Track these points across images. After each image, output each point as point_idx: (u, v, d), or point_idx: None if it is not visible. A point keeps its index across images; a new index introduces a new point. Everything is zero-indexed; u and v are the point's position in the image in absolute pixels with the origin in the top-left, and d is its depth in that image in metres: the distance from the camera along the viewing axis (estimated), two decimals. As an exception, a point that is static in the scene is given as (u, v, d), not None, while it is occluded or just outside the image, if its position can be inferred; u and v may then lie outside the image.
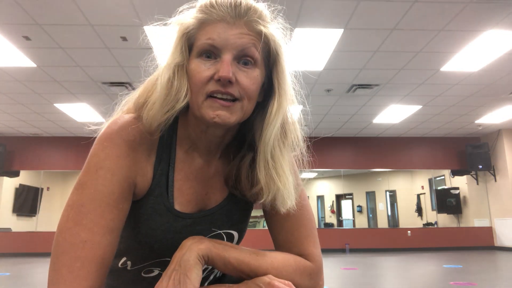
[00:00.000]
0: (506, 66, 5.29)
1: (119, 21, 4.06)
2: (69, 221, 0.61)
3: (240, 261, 0.65)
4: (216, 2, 0.65)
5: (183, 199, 0.73)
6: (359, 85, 6.01)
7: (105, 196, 0.62)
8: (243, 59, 0.65)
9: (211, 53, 0.64)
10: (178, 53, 0.66)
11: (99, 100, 6.59)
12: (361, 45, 4.71)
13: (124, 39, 4.43)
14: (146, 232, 0.70)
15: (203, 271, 0.78)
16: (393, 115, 7.65)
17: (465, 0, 3.72)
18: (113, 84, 5.85)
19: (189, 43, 0.67)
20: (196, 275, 0.61)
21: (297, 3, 3.78)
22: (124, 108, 0.75)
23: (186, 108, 0.69)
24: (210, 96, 0.64)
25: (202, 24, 0.66)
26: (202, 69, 0.64)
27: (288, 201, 0.69)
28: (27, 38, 4.42)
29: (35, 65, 5.17)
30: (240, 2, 0.65)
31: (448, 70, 5.43)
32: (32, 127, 8.41)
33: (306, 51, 4.84)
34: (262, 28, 0.65)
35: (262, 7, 0.68)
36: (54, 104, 6.82)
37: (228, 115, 0.64)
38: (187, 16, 0.68)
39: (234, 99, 0.64)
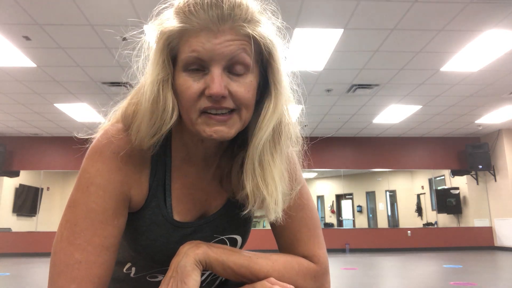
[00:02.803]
0: (506, 66, 5.28)
1: (119, 21, 4.06)
2: (63, 241, 0.60)
3: (240, 264, 0.63)
4: (194, 7, 0.57)
5: (182, 207, 0.70)
6: (359, 85, 6.01)
7: (98, 214, 0.61)
8: (234, 67, 0.59)
9: (198, 65, 0.58)
10: (160, 67, 0.60)
11: (99, 100, 6.59)
12: (361, 45, 4.71)
13: (124, 39, 4.43)
14: (146, 243, 0.68)
15: (208, 276, 0.76)
16: (393, 115, 7.65)
17: (465, 0, 3.73)
18: (113, 84, 5.85)
19: (172, 54, 0.61)
20: (194, 281, 0.60)
21: (297, 3, 3.77)
22: (112, 117, 0.71)
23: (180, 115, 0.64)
24: (204, 112, 0.59)
25: (183, 35, 0.59)
26: (191, 84, 0.58)
27: (273, 213, 0.64)
28: (27, 38, 4.41)
29: (35, 65, 5.17)
30: (222, 1, 0.57)
31: (448, 70, 5.43)
32: (32, 127, 8.41)
33: (306, 51, 4.83)
34: (249, 31, 0.59)
35: (246, 0, 0.60)
36: (54, 104, 6.82)
37: (226, 130, 0.60)
38: (167, 22, 0.60)
39: (231, 110, 0.60)
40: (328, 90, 6.26)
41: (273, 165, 0.64)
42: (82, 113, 7.31)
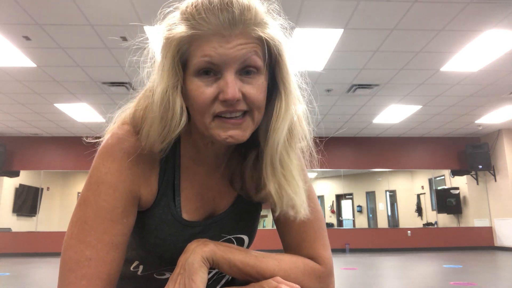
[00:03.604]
0: (506, 66, 5.28)
1: (119, 21, 4.05)
2: (73, 238, 0.61)
3: (246, 263, 0.64)
4: (205, 13, 0.57)
5: (190, 206, 0.71)
6: (359, 85, 6.01)
7: (108, 212, 0.62)
8: (245, 70, 0.60)
9: (210, 70, 0.59)
10: (171, 74, 0.60)
11: (99, 100, 6.59)
12: (361, 45, 4.71)
13: (124, 39, 4.43)
14: (154, 242, 0.69)
15: (214, 274, 0.77)
16: (393, 115, 7.65)
17: (465, 0, 3.73)
18: (113, 84, 5.85)
19: (182, 59, 0.61)
20: (201, 278, 0.60)
21: (297, 3, 3.78)
22: (118, 119, 0.71)
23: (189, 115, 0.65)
24: (218, 116, 0.60)
25: (194, 40, 0.59)
26: (204, 89, 0.59)
27: (301, 210, 0.66)
28: (27, 38, 4.41)
29: (35, 65, 5.17)
30: (232, 6, 0.57)
31: (448, 70, 5.43)
32: (32, 127, 8.41)
33: (306, 51, 4.83)
34: (260, 34, 0.59)
35: (254, 2, 0.61)
36: (54, 104, 6.82)
37: (241, 133, 0.61)
38: (176, 28, 0.60)
39: (244, 112, 0.61)
40: (328, 90, 6.26)
41: (291, 163, 0.66)
42: (82, 113, 7.31)
